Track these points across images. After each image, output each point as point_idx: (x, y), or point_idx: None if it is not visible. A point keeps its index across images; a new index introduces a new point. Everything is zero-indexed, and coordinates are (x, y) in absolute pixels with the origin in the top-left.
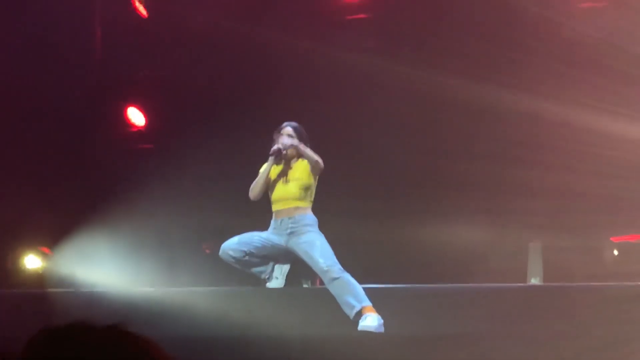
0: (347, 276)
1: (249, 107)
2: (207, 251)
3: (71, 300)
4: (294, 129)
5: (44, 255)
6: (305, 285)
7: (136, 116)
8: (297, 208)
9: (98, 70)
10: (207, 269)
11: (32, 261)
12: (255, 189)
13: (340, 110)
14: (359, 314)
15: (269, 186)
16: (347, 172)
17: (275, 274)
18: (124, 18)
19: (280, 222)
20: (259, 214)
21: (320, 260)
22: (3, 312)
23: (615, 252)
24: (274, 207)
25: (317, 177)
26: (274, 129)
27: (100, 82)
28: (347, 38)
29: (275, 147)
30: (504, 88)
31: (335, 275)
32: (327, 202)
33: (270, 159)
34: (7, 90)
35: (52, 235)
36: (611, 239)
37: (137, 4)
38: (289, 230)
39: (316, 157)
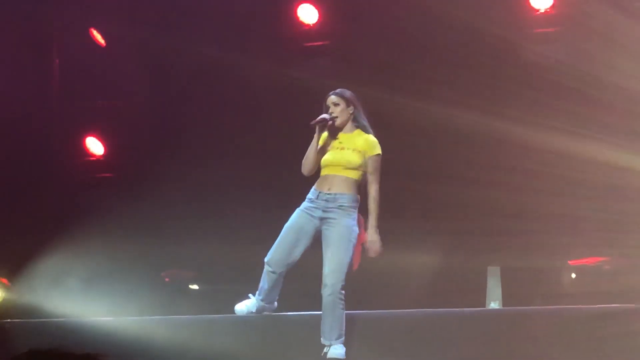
0: (342, 305)
1: (208, 134)
2: (167, 279)
3: (31, 331)
4: (338, 95)
5: (3, 286)
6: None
7: (95, 145)
8: (343, 180)
9: (56, 99)
10: (166, 297)
11: None
12: (306, 162)
13: (304, 135)
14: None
15: (322, 152)
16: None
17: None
18: (82, 47)
19: (317, 195)
20: (220, 241)
21: (330, 268)
22: None
23: (573, 275)
24: (322, 172)
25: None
26: (234, 155)
27: (59, 111)
28: (307, 64)
29: (320, 117)
30: (463, 110)
31: (332, 297)
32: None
33: (317, 128)
34: None
35: (11, 266)
36: (569, 262)
37: (95, 32)
38: (321, 211)
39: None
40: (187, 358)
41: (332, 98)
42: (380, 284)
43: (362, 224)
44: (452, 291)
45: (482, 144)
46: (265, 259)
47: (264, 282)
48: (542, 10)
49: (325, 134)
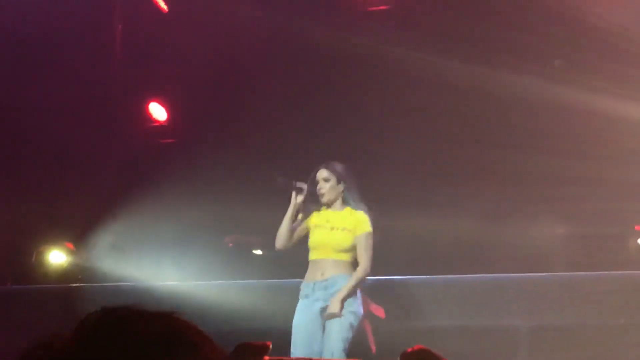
0: None
1: (270, 101)
2: (230, 245)
3: (97, 295)
4: (330, 170)
5: (69, 251)
6: None
7: (158, 111)
8: (336, 263)
9: (119, 65)
10: (230, 262)
11: (56, 256)
12: (280, 234)
13: (358, 101)
14: None
15: (311, 231)
16: (359, 160)
17: None
18: (144, 13)
19: (313, 287)
20: (284, 206)
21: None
22: (29, 307)
23: (639, 241)
24: (311, 256)
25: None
26: (295, 122)
27: (122, 77)
28: (368, 29)
29: (297, 184)
30: (524, 76)
31: None
32: None
33: (293, 195)
34: (29, 87)
35: (77, 231)
36: (636, 227)
37: None
38: (322, 301)
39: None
40: (254, 320)
41: (323, 173)
42: (441, 250)
43: (367, 301)
44: (515, 258)
45: (547, 112)
46: None
47: None
48: None
49: (313, 213)
